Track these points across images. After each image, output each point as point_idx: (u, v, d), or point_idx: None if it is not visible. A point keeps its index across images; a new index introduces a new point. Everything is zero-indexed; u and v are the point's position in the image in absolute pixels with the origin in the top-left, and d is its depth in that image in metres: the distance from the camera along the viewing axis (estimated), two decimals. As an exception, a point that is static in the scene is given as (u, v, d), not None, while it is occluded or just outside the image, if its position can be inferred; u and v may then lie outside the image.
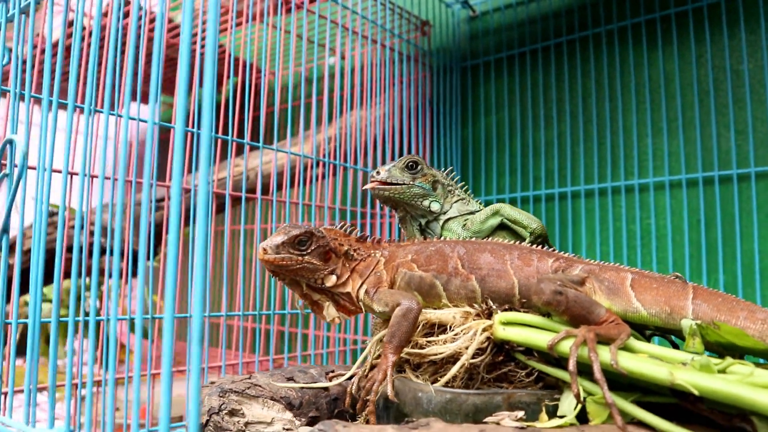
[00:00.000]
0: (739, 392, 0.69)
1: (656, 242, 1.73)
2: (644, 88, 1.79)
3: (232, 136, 1.39)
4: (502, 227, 1.11)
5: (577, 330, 0.82)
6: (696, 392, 0.71)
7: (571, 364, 0.78)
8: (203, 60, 1.42)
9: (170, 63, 2.30)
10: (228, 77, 1.52)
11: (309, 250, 0.98)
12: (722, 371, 0.75)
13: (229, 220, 1.31)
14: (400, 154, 1.87)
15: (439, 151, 2.04)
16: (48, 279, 1.07)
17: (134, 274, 1.67)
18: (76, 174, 1.15)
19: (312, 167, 1.61)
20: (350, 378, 1.05)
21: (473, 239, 1.05)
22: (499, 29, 2.09)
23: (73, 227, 1.77)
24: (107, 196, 1.32)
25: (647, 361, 0.77)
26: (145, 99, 2.21)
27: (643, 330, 0.93)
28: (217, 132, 1.42)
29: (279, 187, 1.64)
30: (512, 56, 2.05)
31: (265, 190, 1.66)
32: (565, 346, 0.82)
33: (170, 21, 2.09)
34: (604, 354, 0.79)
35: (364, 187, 1.11)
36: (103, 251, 1.75)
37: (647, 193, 1.76)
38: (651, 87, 1.78)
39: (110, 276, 1.43)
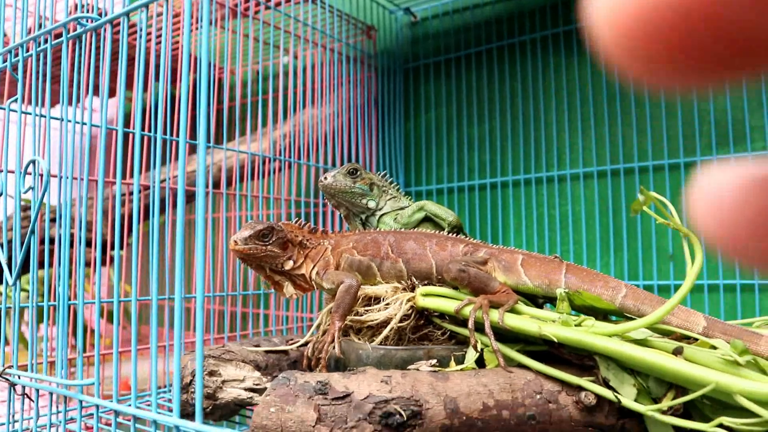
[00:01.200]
0: (582, 338, 0.91)
1: (572, 226, 1.95)
2: (563, 91, 2.01)
3: (194, 134, 1.54)
4: (426, 219, 1.23)
5: (476, 298, 0.98)
6: (556, 340, 0.92)
7: (470, 323, 0.97)
8: (179, 60, 1.52)
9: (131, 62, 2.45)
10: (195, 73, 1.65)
11: (271, 241, 1.08)
12: (578, 325, 0.94)
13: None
14: (349, 149, 2.02)
15: (384, 145, 2.19)
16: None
17: (104, 262, 1.84)
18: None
19: (270, 162, 1.71)
20: (306, 344, 1.16)
21: (402, 230, 1.15)
22: (438, 34, 2.28)
23: (53, 221, 1.93)
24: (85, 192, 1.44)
25: (526, 320, 0.96)
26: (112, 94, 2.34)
27: (536, 299, 1.08)
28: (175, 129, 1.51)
29: (241, 179, 1.74)
30: (450, 59, 2.24)
31: (229, 183, 1.75)
32: (468, 311, 0.99)
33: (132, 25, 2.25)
34: (495, 315, 0.96)
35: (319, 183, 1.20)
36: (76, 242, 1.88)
37: (565, 183, 1.97)
38: (568, 90, 2.00)
39: (90, 265, 1.55)
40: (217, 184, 1.71)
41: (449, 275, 1.01)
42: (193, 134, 1.76)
